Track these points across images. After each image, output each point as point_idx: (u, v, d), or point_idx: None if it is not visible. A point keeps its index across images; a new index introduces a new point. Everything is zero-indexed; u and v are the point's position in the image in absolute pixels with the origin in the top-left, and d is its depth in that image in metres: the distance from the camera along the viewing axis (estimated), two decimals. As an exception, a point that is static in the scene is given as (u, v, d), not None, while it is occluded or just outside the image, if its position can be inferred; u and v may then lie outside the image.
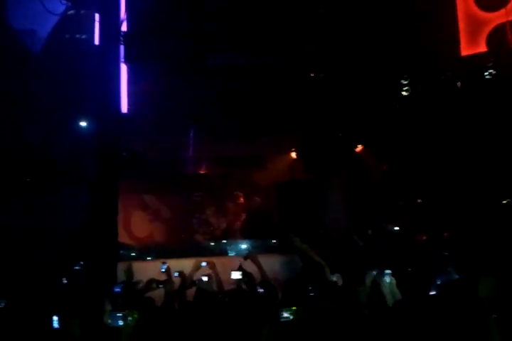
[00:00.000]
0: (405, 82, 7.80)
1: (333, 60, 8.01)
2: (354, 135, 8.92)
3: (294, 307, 3.23)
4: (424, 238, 6.60)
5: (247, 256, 5.37)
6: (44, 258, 6.82)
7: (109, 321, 3.57)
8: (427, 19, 7.30)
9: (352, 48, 7.80)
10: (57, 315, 3.72)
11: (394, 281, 4.22)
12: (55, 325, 3.71)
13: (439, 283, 3.99)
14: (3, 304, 4.25)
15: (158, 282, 4.81)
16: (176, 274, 5.03)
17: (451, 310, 3.25)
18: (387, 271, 4.23)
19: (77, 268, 5.23)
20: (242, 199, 9.13)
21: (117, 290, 4.58)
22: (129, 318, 3.60)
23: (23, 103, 7.33)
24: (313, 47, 7.74)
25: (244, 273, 4.90)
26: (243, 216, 8.86)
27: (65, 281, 5.02)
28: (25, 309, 4.24)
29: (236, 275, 4.85)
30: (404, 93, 7.84)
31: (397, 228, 7.06)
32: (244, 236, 8.14)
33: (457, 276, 4.05)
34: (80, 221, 6.86)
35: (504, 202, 7.19)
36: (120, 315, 3.59)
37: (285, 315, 3.20)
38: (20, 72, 7.13)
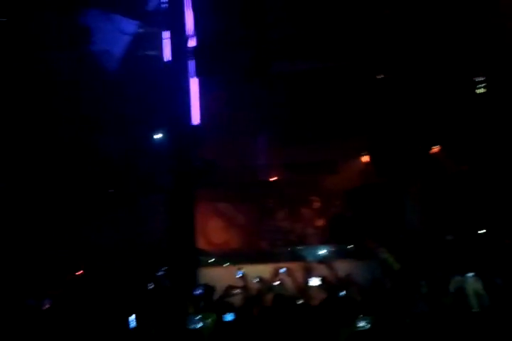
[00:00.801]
0: (480, 79, 7.51)
1: (403, 59, 7.85)
2: (428, 136, 8.66)
3: (371, 317, 3.20)
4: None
5: (322, 261, 5.38)
6: (128, 268, 7.16)
7: (188, 323, 3.71)
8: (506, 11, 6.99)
9: (422, 45, 7.62)
10: (134, 315, 3.91)
11: (479, 284, 4.07)
12: (132, 324, 3.90)
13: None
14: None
15: (236, 288, 4.91)
16: (257, 280, 5.11)
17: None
18: (470, 274, 4.09)
19: (160, 273, 5.46)
20: (316, 204, 9.10)
21: (198, 292, 4.74)
22: (207, 321, 3.72)
23: (104, 119, 7.79)
24: (380, 47, 7.63)
25: (323, 280, 4.90)
26: (318, 221, 8.83)
27: (151, 286, 5.26)
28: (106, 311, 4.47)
29: (315, 282, 4.86)
30: (478, 91, 7.54)
31: (480, 232, 6.73)
32: (320, 241, 8.11)
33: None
34: (158, 230, 7.17)
35: None
36: (198, 317, 3.72)
37: (361, 324, 3.18)
38: (101, 89, 7.60)
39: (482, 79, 7.58)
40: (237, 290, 4.84)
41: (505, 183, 7.84)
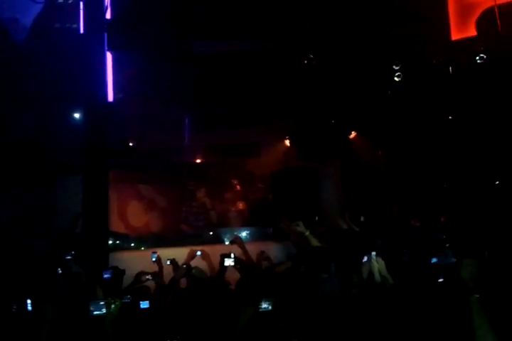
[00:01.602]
0: (397, 68, 7.78)
1: (325, 47, 7.95)
2: (347, 121, 8.90)
3: (272, 298, 3.23)
4: (418, 224, 6.61)
5: (233, 241, 5.41)
6: (40, 249, 6.85)
7: (91, 309, 3.59)
8: (417, 4, 7.25)
9: (343, 34, 7.74)
10: (30, 299, 3.76)
11: (381, 263, 4.25)
12: (29, 307, 3.75)
13: (435, 266, 4.01)
14: None
15: (148, 273, 4.81)
16: (168, 262, 5.04)
17: (438, 293, 3.26)
18: (373, 253, 4.27)
19: (68, 257, 5.25)
20: (237, 187, 9.12)
21: (106, 276, 4.59)
22: (112, 306, 3.61)
23: (11, 95, 7.29)
24: (305, 31, 7.66)
25: (237, 260, 4.91)
26: (239, 204, 8.86)
27: (59, 271, 5.04)
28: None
29: (229, 262, 4.86)
30: (396, 79, 7.82)
31: (391, 214, 7.06)
32: (241, 224, 8.15)
33: (454, 260, 4.07)
34: (73, 211, 6.89)
35: (496, 183, 7.20)
36: (103, 303, 3.60)
37: (264, 305, 3.21)
38: (7, 63, 7.08)
39: (398, 67, 7.84)
40: (149, 276, 4.73)
41: (414, 167, 8.25)
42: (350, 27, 7.73)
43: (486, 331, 2.53)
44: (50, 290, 3.99)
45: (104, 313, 3.54)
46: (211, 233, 7.64)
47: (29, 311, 3.75)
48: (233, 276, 4.89)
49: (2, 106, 7.45)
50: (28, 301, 3.75)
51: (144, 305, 3.89)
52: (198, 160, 9.58)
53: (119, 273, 4.61)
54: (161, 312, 4.02)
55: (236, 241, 5.37)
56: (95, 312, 3.54)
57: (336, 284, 4.26)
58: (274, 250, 6.01)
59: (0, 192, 7.63)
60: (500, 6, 6.90)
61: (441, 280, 3.63)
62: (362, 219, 6.21)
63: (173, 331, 3.59)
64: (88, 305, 3.55)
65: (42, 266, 5.19)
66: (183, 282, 4.90)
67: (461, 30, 7.34)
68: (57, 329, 3.55)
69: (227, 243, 7.12)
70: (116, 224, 7.73)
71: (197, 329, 3.64)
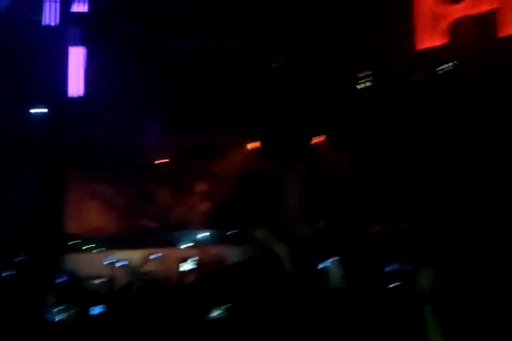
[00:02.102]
0: (361, 75, 7.87)
1: (292, 50, 7.96)
2: (312, 125, 8.91)
3: (226, 305, 3.14)
4: (376, 230, 6.63)
5: (197, 246, 5.30)
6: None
7: (48, 315, 3.45)
8: (383, 13, 7.35)
9: (311, 39, 7.78)
10: None
11: (339, 270, 4.22)
12: None
13: (389, 272, 4.00)
14: None
15: (101, 277, 4.65)
16: (121, 265, 4.89)
17: (392, 302, 3.24)
18: (331, 259, 4.24)
19: (19, 259, 5.02)
20: (200, 188, 8.97)
21: (60, 280, 4.41)
22: (68, 313, 3.47)
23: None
24: (272, 35, 7.66)
25: (196, 264, 4.82)
26: (200, 206, 8.73)
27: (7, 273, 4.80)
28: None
29: (187, 266, 4.78)
30: (358, 87, 7.91)
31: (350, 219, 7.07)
32: (201, 227, 8.02)
33: (412, 266, 4.06)
34: (27, 210, 6.63)
35: (452, 192, 7.32)
36: (58, 309, 3.46)
37: (216, 313, 3.12)
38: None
39: (365, 74, 7.93)
40: (102, 280, 4.56)
41: (378, 172, 8.32)
42: (318, 32, 7.77)
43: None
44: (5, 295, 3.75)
45: (59, 321, 3.37)
46: (169, 235, 7.48)
47: None
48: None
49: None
50: None
51: (96, 310, 3.74)
52: (161, 161, 9.38)
53: (74, 277, 4.43)
54: (116, 318, 3.87)
55: (199, 245, 5.24)
56: (50, 319, 3.38)
57: (292, 288, 4.20)
58: (233, 254, 5.92)
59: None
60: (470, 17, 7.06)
61: (393, 285, 3.62)
62: (321, 224, 6.17)
63: (129, 337, 3.44)
64: (41, 311, 3.37)
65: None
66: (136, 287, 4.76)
67: (427, 40, 7.44)
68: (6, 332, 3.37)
69: (183, 246, 6.99)
70: (71, 225, 7.46)
71: (153, 334, 3.51)
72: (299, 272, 4.57)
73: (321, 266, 4.41)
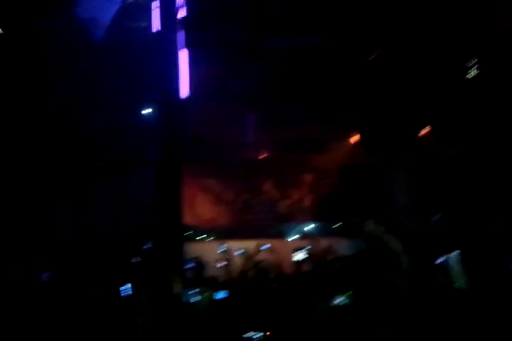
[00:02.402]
0: (472, 63, 7.48)
1: (394, 40, 7.78)
2: (418, 118, 8.65)
3: (349, 293, 3.20)
4: (497, 225, 6.30)
5: (307, 237, 5.40)
6: (115, 241, 7.17)
7: (185, 297, 3.66)
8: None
9: (413, 27, 7.54)
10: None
11: (460, 264, 4.12)
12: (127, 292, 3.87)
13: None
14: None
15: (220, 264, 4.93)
16: (240, 252, 5.13)
17: None
18: (454, 253, 4.13)
19: (146, 247, 5.45)
20: (304, 182, 9.10)
21: (190, 266, 4.73)
22: (204, 296, 3.67)
23: (88, 91, 7.66)
24: (374, 26, 7.53)
25: (308, 254, 4.92)
26: (306, 199, 8.86)
27: (135, 260, 5.26)
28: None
29: (299, 256, 4.89)
30: (469, 75, 7.52)
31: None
32: (308, 219, 8.14)
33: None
34: (146, 204, 7.15)
35: None
36: (194, 292, 3.65)
37: (338, 300, 3.18)
38: (85, 60, 7.43)
39: (473, 63, 7.54)
40: (222, 265, 4.84)
41: (487, 166, 7.90)
42: (420, 20, 7.51)
43: None
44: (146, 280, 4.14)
45: (197, 301, 3.59)
46: (276, 227, 7.69)
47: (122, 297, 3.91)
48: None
49: (81, 103, 7.87)
50: (128, 286, 3.89)
51: (221, 295, 3.98)
52: (265, 156, 9.65)
53: (201, 264, 4.75)
54: (237, 303, 4.09)
55: (309, 237, 5.35)
56: (188, 300, 3.60)
57: (406, 284, 4.18)
58: (342, 246, 5.97)
59: (77, 185, 8.08)
60: None
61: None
62: (436, 218, 6.01)
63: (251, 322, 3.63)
64: (180, 294, 3.61)
65: (119, 257, 5.42)
66: (250, 275, 4.99)
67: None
68: (152, 315, 3.69)
69: (292, 238, 7.15)
70: (185, 217, 7.94)
71: (273, 321, 3.69)
72: (415, 266, 4.51)
73: (439, 261, 4.33)
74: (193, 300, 3.65)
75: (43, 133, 7.87)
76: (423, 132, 9.02)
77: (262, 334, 3.41)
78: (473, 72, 7.57)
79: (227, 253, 5.39)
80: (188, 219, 8.27)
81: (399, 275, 4.14)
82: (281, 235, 7.22)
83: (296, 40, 8.09)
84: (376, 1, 7.70)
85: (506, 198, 7.54)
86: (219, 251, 5.41)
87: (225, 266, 5.04)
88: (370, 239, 5.00)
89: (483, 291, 3.78)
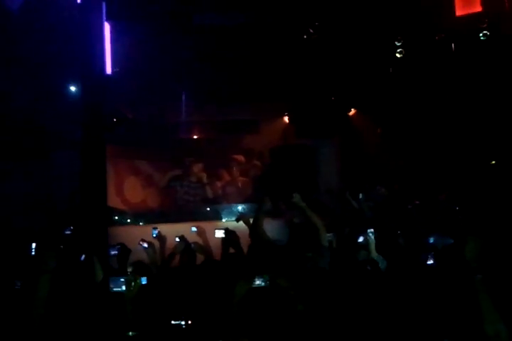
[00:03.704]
0: (399, 44, 7.63)
1: (326, 21, 7.77)
2: (347, 98, 8.79)
3: (265, 275, 3.19)
4: (417, 202, 6.58)
5: (239, 218, 5.38)
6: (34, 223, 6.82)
7: (112, 286, 3.50)
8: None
9: (344, 8, 7.55)
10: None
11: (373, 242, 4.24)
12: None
13: (432, 246, 3.99)
14: None
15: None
16: (177, 239, 5.01)
17: (442, 275, 3.23)
18: (370, 230, 4.25)
19: (67, 232, 5.22)
20: (235, 163, 9.03)
21: (114, 252, 4.57)
22: (133, 284, 3.53)
23: (5, 66, 7.10)
24: (306, 5, 7.47)
25: (228, 232, 4.91)
26: (236, 180, 8.82)
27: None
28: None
29: (219, 233, 4.89)
30: (397, 55, 7.68)
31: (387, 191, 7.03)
32: (238, 201, 8.12)
33: (451, 241, 4.04)
34: (69, 187, 6.84)
35: (492, 162, 7.17)
36: (123, 280, 3.51)
37: (257, 282, 3.17)
38: (2, 32, 6.87)
39: (400, 43, 7.69)
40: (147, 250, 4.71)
41: (414, 145, 8.20)
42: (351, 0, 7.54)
43: (491, 311, 2.51)
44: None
45: (123, 290, 3.45)
46: (208, 209, 7.61)
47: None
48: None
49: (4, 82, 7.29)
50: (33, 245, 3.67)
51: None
52: (196, 136, 9.47)
53: (125, 250, 4.59)
54: (161, 289, 3.99)
55: (242, 218, 5.34)
56: (115, 289, 3.45)
57: (327, 262, 4.24)
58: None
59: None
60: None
61: (431, 262, 3.60)
62: (361, 196, 6.17)
63: (175, 309, 3.55)
64: (105, 281, 3.47)
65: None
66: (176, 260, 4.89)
67: (466, 6, 7.17)
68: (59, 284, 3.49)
69: (224, 220, 7.11)
70: (112, 200, 7.68)
71: (196, 306, 3.62)
72: (335, 243, 4.62)
73: (360, 239, 4.44)
74: (118, 287, 3.47)
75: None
76: (352, 112, 9.21)
77: (187, 321, 3.33)
78: (401, 53, 7.70)
79: (158, 237, 5.24)
80: (116, 202, 8.05)
81: (319, 253, 4.20)
82: (212, 217, 7.15)
83: (228, 18, 7.88)
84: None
85: (430, 176, 7.88)
86: (152, 236, 5.24)
87: (152, 249, 4.88)
88: (295, 216, 5.04)
89: (399, 266, 3.91)
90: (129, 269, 4.29)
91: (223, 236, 4.82)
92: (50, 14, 6.99)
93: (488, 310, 2.52)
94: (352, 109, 9.12)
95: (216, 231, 4.87)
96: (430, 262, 3.53)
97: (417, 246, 4.22)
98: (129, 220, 7.36)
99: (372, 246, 4.20)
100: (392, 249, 4.29)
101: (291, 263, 3.81)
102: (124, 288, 3.50)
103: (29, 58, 7.15)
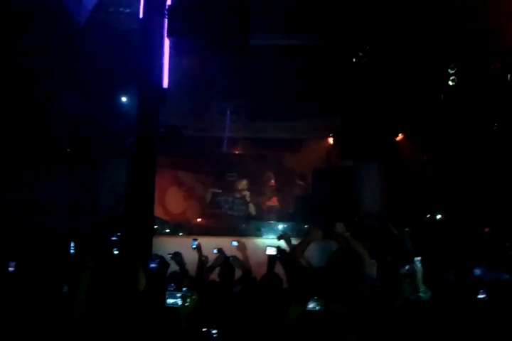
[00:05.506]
0: (452, 72, 7.57)
1: (377, 45, 7.81)
2: (395, 123, 8.73)
3: (320, 299, 3.14)
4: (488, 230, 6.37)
5: (281, 236, 5.35)
6: (80, 228, 7.01)
7: (168, 300, 3.35)
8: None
9: (398, 33, 7.57)
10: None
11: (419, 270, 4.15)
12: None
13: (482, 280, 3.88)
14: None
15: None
16: (215, 251, 5.04)
17: (496, 310, 3.13)
18: (417, 259, 4.15)
19: (113, 239, 5.31)
20: (277, 181, 9.06)
21: (153, 266, 4.55)
22: (188, 299, 3.45)
23: (65, 75, 7.42)
24: (358, 28, 7.54)
25: (280, 251, 4.86)
26: (278, 198, 8.84)
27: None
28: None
29: (271, 251, 4.81)
30: (450, 83, 7.61)
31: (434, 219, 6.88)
32: (279, 218, 8.13)
33: (507, 276, 3.91)
34: (117, 193, 7.00)
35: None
36: (179, 294, 3.39)
37: (311, 305, 3.12)
38: (65, 43, 7.21)
39: (453, 71, 7.63)
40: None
41: (461, 174, 8.03)
42: (405, 25, 7.54)
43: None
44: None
45: (179, 305, 3.35)
46: (249, 225, 7.64)
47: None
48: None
49: (55, 86, 7.62)
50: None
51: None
52: (240, 152, 9.58)
53: (164, 264, 4.60)
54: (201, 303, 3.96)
55: (284, 236, 5.31)
56: (170, 303, 3.34)
57: (368, 286, 4.17)
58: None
59: (44, 170, 7.85)
60: None
61: (482, 296, 3.49)
62: (405, 223, 6.06)
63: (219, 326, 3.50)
64: (162, 296, 3.42)
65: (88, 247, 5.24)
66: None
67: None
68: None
69: (263, 237, 7.12)
70: (154, 209, 7.81)
71: (242, 322, 3.61)
72: (379, 270, 4.53)
73: (405, 266, 4.35)
74: (178, 303, 3.40)
75: (16, 115, 7.61)
76: (398, 137, 9.13)
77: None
78: (453, 81, 7.65)
79: (198, 248, 5.30)
80: (157, 211, 8.18)
81: (364, 282, 4.14)
82: (252, 234, 7.18)
83: (282, 39, 8.04)
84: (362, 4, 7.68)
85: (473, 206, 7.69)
86: (191, 247, 5.30)
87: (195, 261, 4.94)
88: (338, 241, 4.98)
89: (443, 301, 3.81)
90: (185, 282, 4.29)
91: (274, 253, 4.76)
92: (112, 28, 7.30)
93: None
94: (400, 134, 9.03)
95: (267, 248, 4.80)
96: (481, 296, 3.43)
97: (467, 279, 4.10)
98: (168, 230, 7.46)
99: (420, 275, 4.11)
100: (441, 280, 4.18)
101: (345, 289, 3.76)
102: (179, 303, 3.37)
103: (88, 69, 7.46)
